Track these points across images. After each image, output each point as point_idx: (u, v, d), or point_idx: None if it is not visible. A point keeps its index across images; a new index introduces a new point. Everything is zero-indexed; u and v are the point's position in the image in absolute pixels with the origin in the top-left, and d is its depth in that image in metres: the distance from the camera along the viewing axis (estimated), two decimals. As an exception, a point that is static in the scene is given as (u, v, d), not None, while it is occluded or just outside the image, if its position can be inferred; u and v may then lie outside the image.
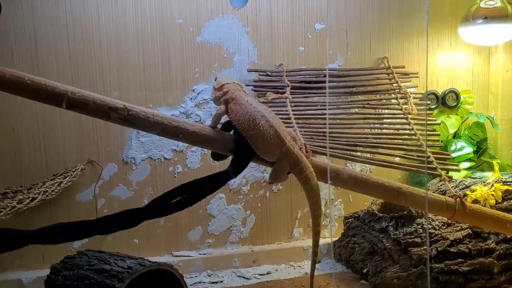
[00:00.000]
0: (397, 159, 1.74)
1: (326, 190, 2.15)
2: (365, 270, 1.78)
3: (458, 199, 1.51)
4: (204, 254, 2.03)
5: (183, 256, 2.02)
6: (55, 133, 1.86)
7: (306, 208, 2.16)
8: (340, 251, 2.01)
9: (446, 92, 2.22)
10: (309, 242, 2.15)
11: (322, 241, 2.13)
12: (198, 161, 2.01)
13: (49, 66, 1.83)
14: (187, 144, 1.95)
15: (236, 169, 1.29)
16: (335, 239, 2.10)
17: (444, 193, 1.93)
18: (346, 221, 2.03)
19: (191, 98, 1.97)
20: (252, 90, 1.93)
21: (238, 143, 1.32)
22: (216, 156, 1.39)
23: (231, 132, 1.37)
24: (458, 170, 1.70)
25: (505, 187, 1.81)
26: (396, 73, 2.09)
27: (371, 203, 1.99)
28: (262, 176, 2.09)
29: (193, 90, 1.97)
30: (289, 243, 2.15)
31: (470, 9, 2.01)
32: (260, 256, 2.07)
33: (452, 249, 1.69)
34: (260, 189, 2.10)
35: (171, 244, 2.04)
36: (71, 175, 1.82)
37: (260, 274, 1.97)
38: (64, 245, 1.85)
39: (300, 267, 2.05)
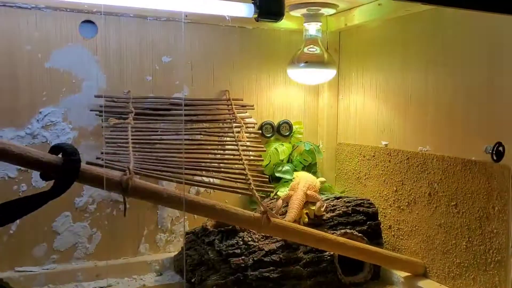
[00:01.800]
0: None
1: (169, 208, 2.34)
2: (193, 280, 1.99)
3: (264, 215, 1.78)
4: (47, 269, 2.12)
5: (26, 272, 2.08)
6: None
7: (153, 225, 2.34)
8: (178, 263, 2.21)
9: (280, 123, 2.55)
10: (153, 257, 2.32)
11: (166, 255, 2.34)
12: (43, 181, 2.09)
13: None
14: (32, 164, 2.04)
15: (57, 190, 1.43)
16: (176, 253, 2.29)
17: (271, 209, 2.22)
18: (187, 236, 2.25)
19: (37, 120, 2.07)
20: (96, 115, 2.09)
21: (63, 166, 1.46)
22: (45, 177, 1.52)
23: (60, 155, 1.51)
24: (272, 191, 2.00)
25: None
26: (234, 105, 2.37)
27: (208, 220, 2.22)
28: (109, 196, 2.23)
29: (40, 113, 2.07)
30: (134, 258, 2.30)
31: (296, 53, 2.36)
32: (104, 270, 2.20)
33: (266, 259, 1.97)
34: (107, 207, 2.24)
35: (14, 260, 2.09)
36: None
37: (100, 287, 2.10)
38: None
39: (141, 279, 2.20)
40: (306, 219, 2.10)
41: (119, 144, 1.90)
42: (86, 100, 2.15)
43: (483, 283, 1.78)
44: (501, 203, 1.70)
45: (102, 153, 1.80)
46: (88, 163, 1.62)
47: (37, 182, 2.09)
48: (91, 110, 2.09)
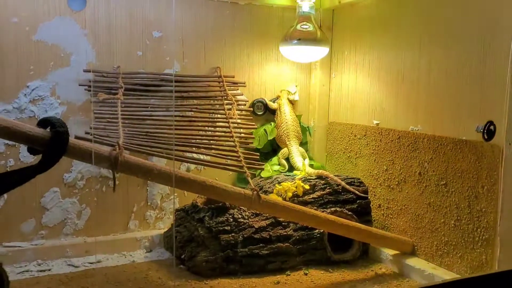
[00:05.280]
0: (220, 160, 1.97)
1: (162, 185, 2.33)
2: (183, 256, 1.99)
3: (255, 192, 1.78)
4: (36, 244, 2.10)
5: (14, 247, 2.07)
6: None
7: (142, 202, 2.33)
8: (168, 240, 2.21)
9: (272, 101, 2.53)
10: (143, 234, 2.32)
11: (156, 232, 2.34)
12: (31, 155, 2.07)
13: None
14: (19, 139, 2.01)
15: (45, 164, 1.41)
16: (166, 229, 2.29)
17: (261, 188, 2.22)
18: (177, 213, 2.24)
19: (25, 94, 2.03)
20: (85, 90, 2.06)
21: (51, 139, 1.44)
22: (32, 150, 1.50)
23: (48, 129, 1.48)
24: (262, 169, 1.99)
25: (307, 186, 2.14)
26: (226, 82, 2.34)
27: (197, 197, 2.21)
28: (98, 172, 2.21)
29: (28, 87, 2.04)
30: (124, 234, 2.29)
31: (289, 30, 2.33)
32: (94, 246, 2.19)
33: (256, 236, 1.97)
34: (97, 183, 2.22)
35: (2, 236, 2.07)
36: None
37: (90, 263, 2.10)
38: None
39: (131, 255, 2.20)
40: (290, 193, 2.10)
41: (109, 120, 1.88)
42: (75, 74, 2.11)
43: (470, 261, 1.80)
44: (490, 182, 1.71)
45: (91, 128, 1.78)
46: (77, 137, 1.60)
47: (25, 157, 2.06)
48: (80, 85, 2.05)
